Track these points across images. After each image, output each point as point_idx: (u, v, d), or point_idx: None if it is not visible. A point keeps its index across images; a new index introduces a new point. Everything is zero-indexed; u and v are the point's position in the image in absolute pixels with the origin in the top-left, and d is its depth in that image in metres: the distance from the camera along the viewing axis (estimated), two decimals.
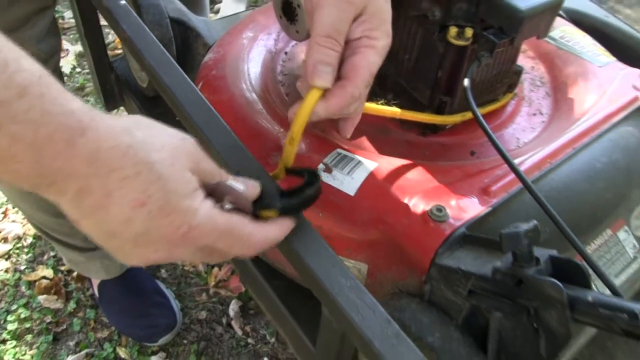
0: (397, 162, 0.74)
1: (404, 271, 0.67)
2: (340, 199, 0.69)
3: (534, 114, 0.88)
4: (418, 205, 0.67)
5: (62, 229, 1.18)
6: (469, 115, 0.80)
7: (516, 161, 0.71)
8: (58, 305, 1.40)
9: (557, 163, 0.74)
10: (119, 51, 2.00)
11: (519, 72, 0.84)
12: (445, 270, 0.60)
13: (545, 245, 0.54)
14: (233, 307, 1.40)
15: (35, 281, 1.43)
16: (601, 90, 0.88)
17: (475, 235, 0.63)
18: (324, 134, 0.80)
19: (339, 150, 0.74)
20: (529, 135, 0.85)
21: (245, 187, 0.51)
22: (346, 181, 0.70)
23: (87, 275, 1.37)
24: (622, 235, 0.83)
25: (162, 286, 1.41)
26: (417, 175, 0.72)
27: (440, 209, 0.66)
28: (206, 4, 1.22)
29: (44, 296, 1.40)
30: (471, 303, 0.58)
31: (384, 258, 0.69)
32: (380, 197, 0.69)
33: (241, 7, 2.12)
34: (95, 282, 1.38)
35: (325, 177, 0.71)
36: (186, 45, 1.02)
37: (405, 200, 0.68)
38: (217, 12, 2.11)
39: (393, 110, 0.76)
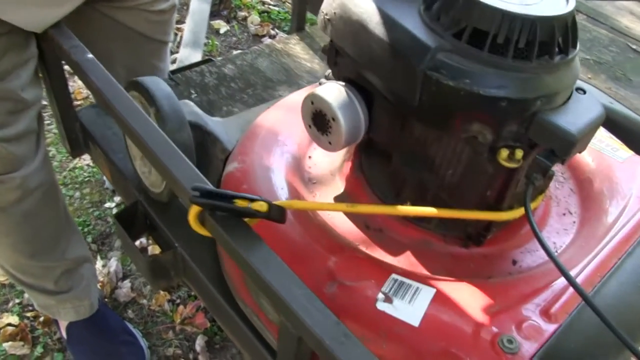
0: (453, 285, 0.73)
1: None
2: (405, 330, 0.68)
3: (564, 214, 0.90)
4: (486, 336, 0.66)
5: (34, 271, 1.18)
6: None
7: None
8: (24, 351, 1.39)
9: (607, 276, 0.75)
10: (78, 102, 2.04)
11: (550, 176, 0.85)
12: None
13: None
14: (199, 343, 1.44)
15: (0, 329, 1.42)
16: (627, 188, 0.89)
17: None
18: (370, 253, 0.79)
19: (394, 276, 0.73)
20: (564, 238, 0.86)
21: None
22: (409, 311, 0.69)
23: (57, 318, 1.36)
24: None
25: (130, 325, 1.43)
26: (476, 299, 0.71)
27: (511, 340, 0.65)
28: (167, 51, 1.28)
29: (9, 343, 1.39)
30: None
31: None
32: (444, 327, 0.68)
33: (197, 57, 2.09)
34: (63, 325, 1.38)
35: (386, 308, 0.69)
36: (203, 148, 1.00)
37: (471, 330, 0.67)
38: (173, 61, 2.08)
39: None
